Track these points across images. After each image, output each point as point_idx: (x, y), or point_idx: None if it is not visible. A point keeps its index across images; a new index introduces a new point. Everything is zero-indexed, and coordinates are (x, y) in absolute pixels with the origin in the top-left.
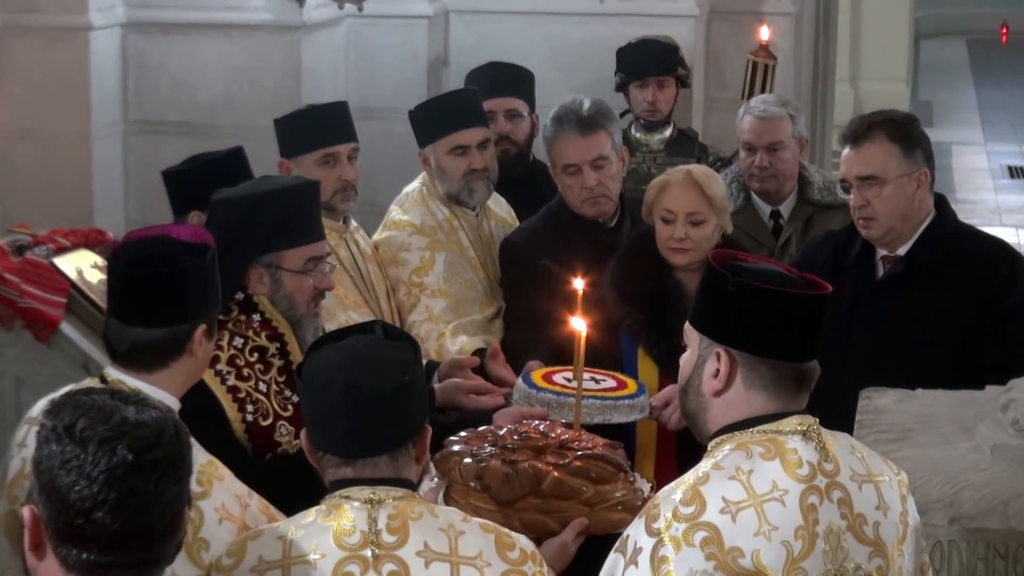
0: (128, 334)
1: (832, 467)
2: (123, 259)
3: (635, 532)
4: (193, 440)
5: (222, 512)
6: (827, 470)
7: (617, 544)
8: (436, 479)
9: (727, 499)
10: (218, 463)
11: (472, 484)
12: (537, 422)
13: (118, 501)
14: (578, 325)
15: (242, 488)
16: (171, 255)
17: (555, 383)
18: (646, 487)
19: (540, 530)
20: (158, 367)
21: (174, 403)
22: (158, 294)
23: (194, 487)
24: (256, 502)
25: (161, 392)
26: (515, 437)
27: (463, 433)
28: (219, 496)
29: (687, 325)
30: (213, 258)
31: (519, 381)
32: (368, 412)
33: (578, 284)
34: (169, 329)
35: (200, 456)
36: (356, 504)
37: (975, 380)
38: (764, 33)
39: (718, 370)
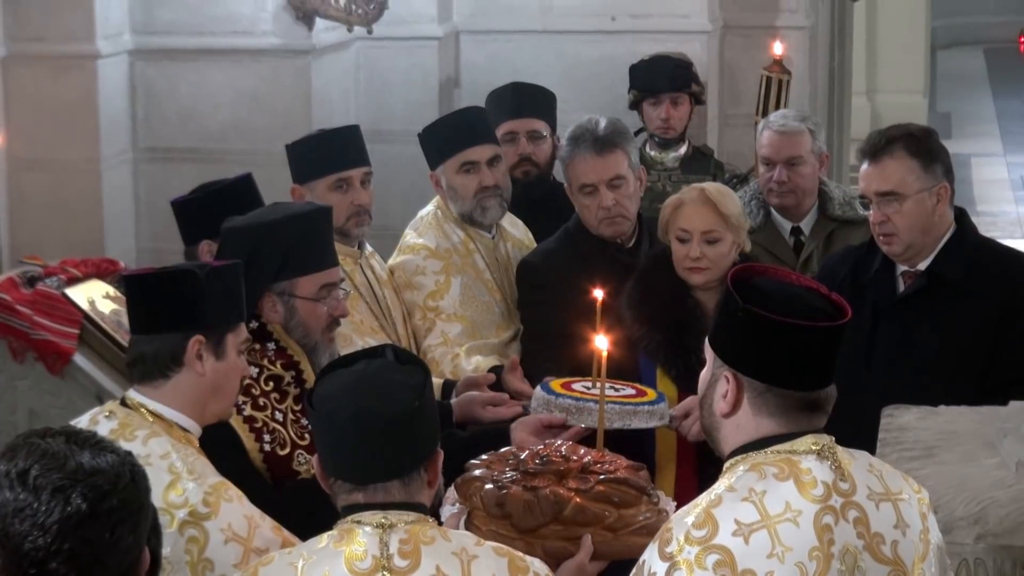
0: (133, 344)
1: (848, 486)
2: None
3: (649, 557)
4: (205, 461)
5: (228, 533)
6: (843, 489)
7: (633, 571)
8: (458, 505)
9: (740, 521)
10: (229, 484)
11: (494, 511)
12: (559, 442)
13: (72, 552)
14: (600, 343)
15: (253, 510)
16: (167, 268)
17: (574, 390)
18: (671, 507)
19: (563, 557)
20: (159, 378)
21: (194, 427)
22: (149, 299)
23: (200, 508)
24: (268, 524)
25: (177, 414)
26: (537, 461)
27: (484, 456)
28: (226, 517)
29: (707, 340)
30: (215, 274)
31: (537, 389)
32: (377, 437)
33: (598, 294)
34: (163, 336)
35: (210, 478)
36: (368, 529)
37: (998, 395)
38: (778, 48)
39: (727, 392)
